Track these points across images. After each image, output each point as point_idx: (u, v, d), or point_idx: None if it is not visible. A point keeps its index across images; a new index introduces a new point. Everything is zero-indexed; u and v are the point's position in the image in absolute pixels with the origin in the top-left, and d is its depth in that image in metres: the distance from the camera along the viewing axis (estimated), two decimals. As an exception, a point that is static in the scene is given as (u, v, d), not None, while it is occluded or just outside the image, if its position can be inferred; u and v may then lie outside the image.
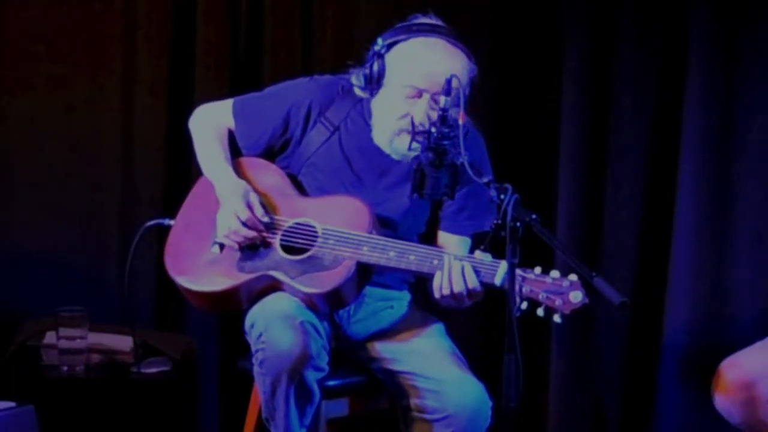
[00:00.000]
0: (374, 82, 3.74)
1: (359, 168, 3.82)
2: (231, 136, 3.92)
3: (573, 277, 3.35)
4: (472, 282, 3.48)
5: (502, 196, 3.16)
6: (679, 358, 4.39)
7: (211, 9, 4.59)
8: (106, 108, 4.68)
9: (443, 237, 3.79)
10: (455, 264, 3.49)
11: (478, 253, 3.49)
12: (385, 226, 3.74)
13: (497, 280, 3.46)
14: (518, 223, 3.10)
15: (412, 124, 3.64)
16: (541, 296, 3.36)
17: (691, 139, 4.36)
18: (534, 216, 3.13)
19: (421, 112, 3.65)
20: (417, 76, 3.65)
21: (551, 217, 4.47)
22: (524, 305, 3.32)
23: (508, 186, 3.17)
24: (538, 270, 3.38)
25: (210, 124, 3.95)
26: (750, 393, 3.51)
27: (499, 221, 3.15)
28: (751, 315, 4.32)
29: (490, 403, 3.67)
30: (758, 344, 3.60)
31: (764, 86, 4.31)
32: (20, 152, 4.67)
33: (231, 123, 3.92)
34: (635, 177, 4.48)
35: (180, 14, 4.62)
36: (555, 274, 3.37)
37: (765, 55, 4.30)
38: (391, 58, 3.71)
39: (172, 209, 4.05)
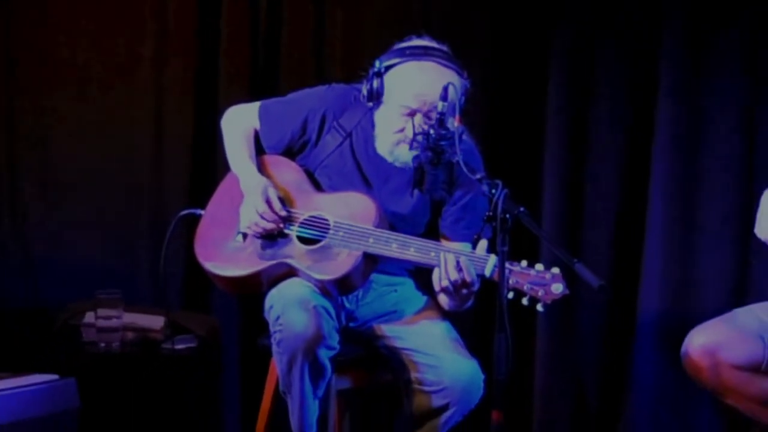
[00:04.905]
0: (374, 98, 3.72)
1: (367, 172, 3.82)
2: (256, 135, 3.92)
3: (555, 270, 3.37)
4: (468, 271, 3.48)
5: (493, 191, 3.16)
6: (652, 333, 4.41)
7: (233, 28, 4.60)
8: (141, 112, 4.68)
9: (445, 243, 3.74)
10: (450, 257, 3.49)
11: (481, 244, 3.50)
12: (389, 225, 3.73)
13: (487, 272, 3.47)
14: (508, 215, 3.11)
15: (413, 127, 3.63)
16: (526, 287, 3.37)
17: (661, 141, 4.37)
18: (522, 208, 3.15)
19: (416, 128, 3.64)
20: (410, 98, 3.64)
21: (537, 209, 4.47)
22: (510, 295, 3.32)
23: (499, 182, 3.17)
24: (524, 263, 3.39)
25: (238, 124, 3.94)
26: (714, 359, 3.51)
27: (491, 213, 3.14)
28: (714, 295, 4.35)
29: (482, 377, 3.67)
30: (720, 317, 3.61)
31: (726, 95, 4.31)
32: (63, 151, 4.67)
33: (257, 124, 3.91)
34: (612, 174, 4.49)
35: (205, 33, 4.62)
36: (539, 267, 3.38)
37: (727, 67, 4.30)
38: (388, 79, 3.69)
39: (198, 201, 4.07)
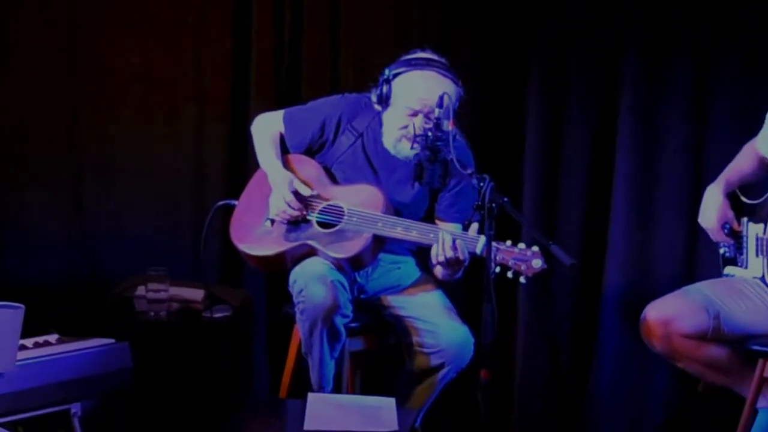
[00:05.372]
0: (383, 101, 3.74)
1: (376, 166, 3.83)
2: (281, 137, 3.92)
3: (535, 248, 3.39)
4: (461, 248, 3.50)
5: (482, 184, 3.14)
6: (615, 307, 4.38)
7: (261, 47, 4.58)
8: (186, 118, 4.66)
9: (440, 224, 3.77)
10: (447, 236, 3.51)
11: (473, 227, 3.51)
12: (395, 211, 3.74)
13: (477, 249, 3.49)
14: (494, 204, 3.10)
15: (414, 126, 3.66)
16: (511, 262, 3.38)
17: (624, 141, 4.34)
18: (506, 199, 3.14)
19: (417, 125, 3.67)
20: (414, 101, 3.66)
21: (518, 199, 4.43)
22: (497, 269, 3.34)
23: (486, 176, 3.15)
24: (508, 242, 3.40)
25: (266, 129, 3.94)
26: (667, 329, 3.49)
27: (479, 202, 3.13)
28: (668, 273, 4.32)
29: (472, 341, 3.69)
30: (672, 293, 3.59)
31: (678, 105, 4.29)
32: (123, 150, 4.65)
33: (282, 128, 3.92)
34: (582, 169, 4.45)
35: (238, 52, 4.60)
36: (521, 245, 3.40)
37: (679, 82, 4.28)
38: (395, 84, 3.71)
39: (232, 193, 4.08)
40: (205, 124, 4.66)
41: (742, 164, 3.70)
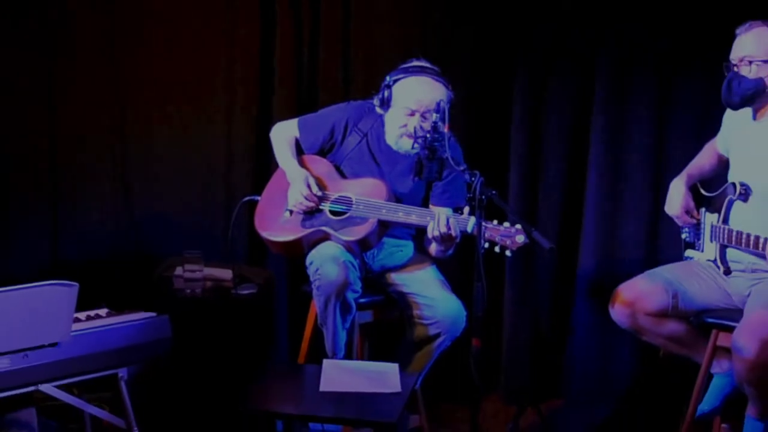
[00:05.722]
0: (385, 104, 3.75)
1: (379, 161, 3.82)
2: (296, 141, 3.94)
3: (518, 226, 3.40)
4: (453, 226, 3.51)
5: (473, 179, 3.16)
6: (588, 285, 4.38)
7: (284, 64, 4.55)
8: (217, 123, 4.64)
9: (433, 208, 3.76)
10: (442, 215, 3.53)
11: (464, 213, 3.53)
12: (396, 199, 3.74)
13: (468, 228, 3.51)
14: (483, 196, 3.13)
15: (415, 132, 3.66)
16: (497, 239, 3.40)
17: (596, 143, 4.33)
18: (494, 191, 3.16)
19: (414, 124, 3.67)
20: (411, 102, 3.67)
21: (504, 191, 4.43)
22: (486, 245, 3.34)
23: (477, 172, 3.17)
24: (495, 222, 3.42)
25: (283, 135, 3.95)
26: (633, 309, 3.49)
27: (470, 195, 3.16)
28: (634, 257, 4.31)
29: (464, 313, 3.69)
30: (637, 276, 3.58)
31: (643, 110, 4.28)
32: (161, 147, 4.63)
33: (297, 134, 3.93)
34: (560, 166, 4.44)
35: (264, 67, 4.57)
36: (506, 224, 3.42)
37: (643, 91, 4.27)
38: (395, 89, 3.72)
39: (256, 189, 4.11)
40: (233, 128, 4.63)
41: (702, 161, 3.71)
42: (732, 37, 3.41)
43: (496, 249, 3.40)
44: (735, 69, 3.38)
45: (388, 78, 3.74)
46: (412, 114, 3.69)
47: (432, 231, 3.54)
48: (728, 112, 3.57)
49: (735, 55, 3.39)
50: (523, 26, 4.39)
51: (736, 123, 3.54)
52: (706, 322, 3.48)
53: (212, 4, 4.55)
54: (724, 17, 3.63)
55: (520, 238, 3.39)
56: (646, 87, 4.27)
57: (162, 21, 4.55)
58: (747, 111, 3.46)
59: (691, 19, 4.13)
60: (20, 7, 4.40)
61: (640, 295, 3.50)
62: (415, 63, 3.74)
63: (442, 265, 3.87)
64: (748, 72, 3.36)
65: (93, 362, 3.16)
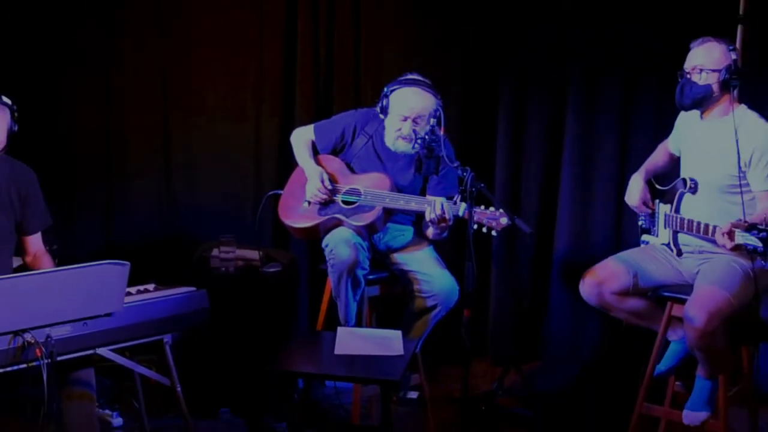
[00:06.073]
0: (384, 111, 3.75)
1: (383, 158, 3.82)
2: (313, 143, 3.94)
3: (501, 210, 3.40)
4: (447, 210, 3.51)
5: (464, 174, 3.17)
6: (562, 265, 4.39)
7: (304, 75, 4.55)
8: (246, 127, 4.65)
9: (430, 198, 3.75)
10: (437, 201, 3.53)
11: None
12: (398, 190, 3.74)
13: (460, 212, 3.51)
14: (473, 189, 3.14)
15: (415, 135, 3.65)
16: (485, 221, 3.40)
17: (570, 141, 4.34)
18: (482, 184, 3.17)
19: (407, 129, 3.67)
20: (404, 110, 3.67)
21: (491, 183, 4.43)
22: (475, 226, 3.32)
23: (468, 168, 3.19)
24: (482, 207, 3.42)
25: (302, 138, 3.95)
26: (600, 289, 3.47)
27: (463, 188, 3.17)
28: (603, 243, 4.30)
29: (457, 288, 3.71)
30: (604, 261, 3.57)
31: (610, 115, 4.29)
32: (202, 149, 4.66)
33: (313, 137, 3.93)
34: (539, 163, 4.44)
35: (287, 78, 4.58)
36: (492, 209, 3.42)
37: (610, 98, 4.28)
38: (392, 98, 3.72)
39: (279, 184, 4.11)
40: (262, 132, 4.64)
41: (657, 158, 3.70)
42: (686, 50, 3.43)
43: (484, 230, 3.40)
44: (688, 76, 3.40)
45: (386, 89, 3.74)
46: (405, 120, 3.69)
47: (429, 215, 3.55)
48: (680, 116, 3.59)
49: (688, 64, 3.40)
50: (505, 48, 4.40)
51: (686, 124, 3.55)
52: (662, 296, 3.48)
53: (244, 35, 4.58)
54: (678, 34, 3.63)
55: (504, 220, 3.39)
56: (612, 95, 4.28)
57: (201, 46, 4.60)
58: (695, 113, 3.48)
59: (651, 35, 4.14)
60: (77, 27, 4.48)
61: (605, 277, 3.47)
62: (410, 76, 3.74)
63: (438, 246, 3.88)
64: (699, 79, 3.37)
65: (142, 329, 3.15)
